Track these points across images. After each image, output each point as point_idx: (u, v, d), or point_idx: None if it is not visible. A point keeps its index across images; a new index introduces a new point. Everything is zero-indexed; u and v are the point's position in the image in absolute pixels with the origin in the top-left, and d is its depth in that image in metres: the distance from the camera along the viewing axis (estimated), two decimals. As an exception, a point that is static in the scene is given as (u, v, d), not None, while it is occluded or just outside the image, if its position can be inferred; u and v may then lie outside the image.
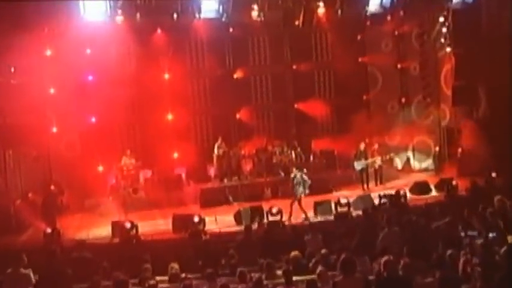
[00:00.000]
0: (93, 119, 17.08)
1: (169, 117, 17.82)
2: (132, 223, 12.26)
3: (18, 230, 13.58)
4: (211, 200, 15.01)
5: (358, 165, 15.63)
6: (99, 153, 16.81)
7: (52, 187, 15.76)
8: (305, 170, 13.16)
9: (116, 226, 12.75)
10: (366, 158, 15.62)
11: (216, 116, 18.54)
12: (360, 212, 11.28)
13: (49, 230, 12.15)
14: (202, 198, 15.55)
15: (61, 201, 14.86)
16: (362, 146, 15.78)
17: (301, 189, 12.80)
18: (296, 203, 12.74)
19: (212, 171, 17.29)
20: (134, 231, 12.23)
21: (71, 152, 16.63)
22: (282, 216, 12.49)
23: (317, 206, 13.45)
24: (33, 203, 14.45)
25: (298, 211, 12.91)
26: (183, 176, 16.93)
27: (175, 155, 17.63)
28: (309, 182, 12.84)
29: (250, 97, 18.85)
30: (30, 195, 14.92)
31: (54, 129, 16.52)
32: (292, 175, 12.94)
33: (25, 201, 14.83)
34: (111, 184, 15.29)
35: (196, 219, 12.39)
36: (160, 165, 17.07)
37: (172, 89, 17.73)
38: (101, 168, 16.91)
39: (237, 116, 18.65)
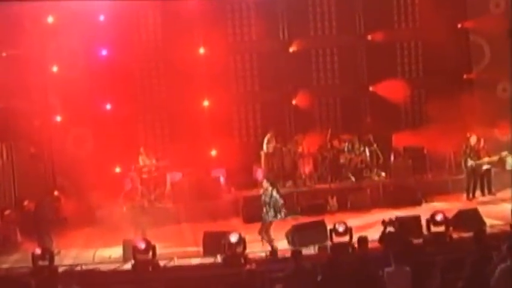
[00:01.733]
0: (108, 106, 17.17)
1: (205, 104, 17.61)
2: (147, 243, 11.50)
3: (6, 250, 13.52)
4: (258, 213, 13.37)
5: (469, 165, 14.65)
6: (116, 150, 16.68)
7: (56, 193, 15.78)
8: (274, 190, 12.30)
9: (128, 246, 12.07)
10: (478, 157, 14.65)
11: (265, 102, 18.15)
12: (466, 234, 10.39)
13: (38, 251, 11.57)
14: (246, 210, 14.95)
15: (57, 210, 14.39)
16: (473, 140, 14.91)
17: (272, 212, 12.04)
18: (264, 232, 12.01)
19: (260, 174, 16.54)
20: (150, 253, 11.47)
21: (79, 149, 16.60)
22: (351, 237, 11.41)
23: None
24: (29, 213, 14.12)
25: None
26: (222, 180, 16.55)
27: (213, 152, 17.48)
28: (281, 201, 12.12)
29: (311, 77, 18.27)
30: (26, 203, 14.66)
31: (58, 119, 16.72)
32: (261, 191, 12.19)
33: (17, 211, 14.80)
34: (126, 190, 14.46)
35: (233, 238, 11.46)
36: (192, 165, 16.66)
37: (209, 68, 17.46)
38: (118, 170, 16.77)
39: (293, 102, 18.07)
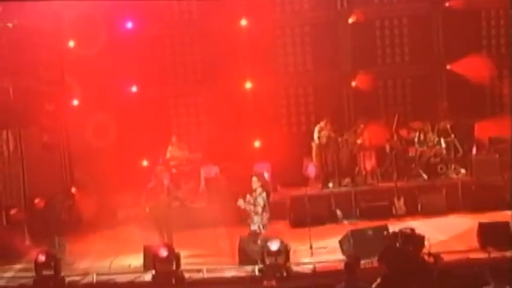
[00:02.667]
0: (134, 89, 17.40)
1: (248, 86, 17.62)
2: (170, 250, 11.29)
3: (10, 257, 13.39)
4: (308, 216, 13.47)
5: None
6: (143, 140, 16.89)
7: (73, 190, 15.85)
8: (262, 194, 12.11)
9: (149, 254, 11.82)
10: None
11: (319, 84, 18.06)
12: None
13: (42, 258, 11.44)
14: (294, 212, 14.82)
15: (72, 209, 14.44)
16: None
17: (256, 218, 11.96)
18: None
19: (311, 169, 16.61)
20: (174, 264, 11.25)
21: (100, 138, 16.72)
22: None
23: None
24: (39, 213, 14.21)
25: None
26: (266, 176, 16.03)
27: (256, 144, 17.52)
28: (265, 215, 11.97)
29: (375, 54, 18.05)
30: (36, 201, 14.62)
31: (75, 103, 16.83)
32: (242, 202, 12.05)
33: (26, 211, 14.76)
34: (149, 187, 13.61)
35: (274, 246, 11.15)
36: (231, 159, 16.68)
37: (252, 44, 17.50)
38: (145, 163, 16.86)
39: (353, 83, 17.81)
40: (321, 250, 12.69)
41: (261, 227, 12.05)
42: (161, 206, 13.15)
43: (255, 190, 12.15)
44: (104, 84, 16.42)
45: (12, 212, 14.52)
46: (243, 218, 13.91)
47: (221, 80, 17.40)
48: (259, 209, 11.98)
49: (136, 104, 17.26)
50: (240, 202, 12.10)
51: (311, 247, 12.59)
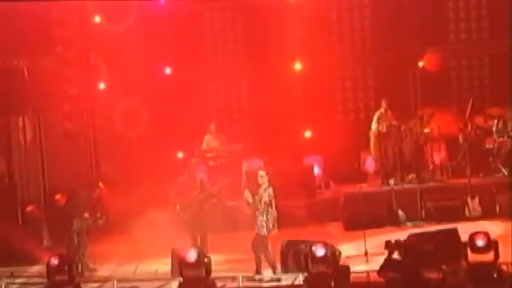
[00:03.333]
0: (168, 70, 17.61)
1: (297, 67, 17.64)
2: (199, 254, 11.00)
3: (26, 259, 13.59)
4: (364, 216, 13.57)
5: None
6: (178, 128, 17.23)
7: (100, 185, 15.55)
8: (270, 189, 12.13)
9: (176, 258, 11.72)
10: None
11: (380, 65, 17.97)
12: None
13: (54, 262, 11.18)
14: (348, 213, 14.83)
15: (96, 206, 14.36)
16: None
17: (264, 218, 11.96)
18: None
19: (370, 163, 16.56)
20: (204, 270, 10.93)
21: (130, 126, 17.03)
22: (497, 256, 10.61)
23: None
24: (61, 210, 14.12)
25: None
26: (318, 171, 16.49)
27: (307, 134, 17.67)
28: (274, 212, 11.99)
29: (445, 29, 17.95)
30: (58, 197, 14.94)
31: (102, 86, 17.07)
32: (245, 195, 12.19)
33: (45, 207, 15.07)
34: (180, 181, 13.50)
35: (320, 251, 10.79)
36: (278, 151, 16.74)
37: (302, 18, 17.40)
38: (180, 155, 17.12)
39: (420, 63, 17.77)
40: (377, 257, 12.20)
41: (264, 228, 12.05)
42: (194, 203, 13.01)
43: (260, 186, 12.09)
44: (134, 65, 16.58)
45: (29, 208, 14.67)
46: (290, 219, 14.21)
47: (267, 60, 17.50)
48: (262, 206, 11.95)
49: (171, 87, 17.44)
50: (247, 194, 12.24)
51: (366, 253, 12.45)
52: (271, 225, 12.08)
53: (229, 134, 17.16)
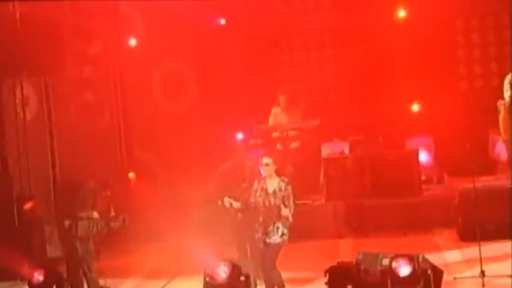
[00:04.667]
0: (223, 21, 17.69)
1: (401, 14, 17.29)
2: (234, 270, 11.06)
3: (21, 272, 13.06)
4: (488, 223, 13.45)
5: None
6: (238, 101, 17.44)
7: (131, 175, 16.34)
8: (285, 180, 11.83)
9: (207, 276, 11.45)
10: None
11: None
12: None
13: (39, 278, 11.51)
14: (463, 216, 14.16)
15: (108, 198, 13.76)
16: None
17: (275, 229, 11.57)
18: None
19: (500, 146, 15.85)
20: None
21: (172, 97, 17.20)
22: None
23: None
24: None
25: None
26: (426, 158, 16.34)
27: (414, 107, 17.41)
28: (289, 216, 11.54)
29: None
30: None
31: (133, 43, 16.83)
32: (254, 185, 11.84)
33: (55, 205, 14.62)
34: (222, 169, 13.44)
35: (405, 270, 10.63)
36: (370, 130, 16.51)
37: None
38: (240, 137, 16.85)
39: None
40: (499, 280, 11.96)
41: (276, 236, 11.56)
42: (244, 199, 12.25)
43: (264, 179, 11.62)
44: (177, 14, 16.55)
45: (27, 206, 14.43)
46: (382, 224, 14.83)
47: (358, 7, 17.35)
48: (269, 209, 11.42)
49: (226, 45, 17.50)
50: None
51: (482, 273, 11.79)
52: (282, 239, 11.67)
53: (304, 108, 16.93)
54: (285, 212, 11.32)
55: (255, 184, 11.57)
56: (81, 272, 12.60)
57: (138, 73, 16.93)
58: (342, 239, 14.93)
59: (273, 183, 11.42)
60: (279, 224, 11.40)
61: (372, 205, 15.43)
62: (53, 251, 14.49)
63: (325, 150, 16.40)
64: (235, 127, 17.09)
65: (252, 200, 11.63)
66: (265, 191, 11.47)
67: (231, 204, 11.81)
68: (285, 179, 11.68)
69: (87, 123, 16.09)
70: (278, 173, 11.66)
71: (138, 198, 15.69)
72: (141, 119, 17.04)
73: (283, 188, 11.46)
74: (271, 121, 16.50)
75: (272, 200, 11.46)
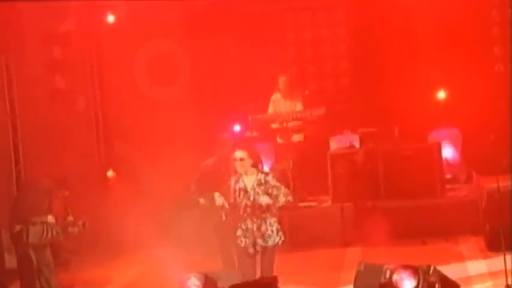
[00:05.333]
0: None
1: None
2: (207, 282, 10.76)
3: None
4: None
5: None
6: (235, 86, 17.22)
7: (109, 174, 16.57)
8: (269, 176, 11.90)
9: None
10: None
11: None
12: None
13: None
14: (492, 222, 13.81)
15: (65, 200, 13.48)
16: None
17: (269, 228, 11.61)
18: None
19: None
20: None
21: (157, 84, 16.90)
22: None
23: None
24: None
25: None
26: (449, 153, 16.41)
27: (439, 94, 17.13)
28: (274, 225, 11.58)
29: None
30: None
31: (111, 19, 16.69)
32: (231, 181, 11.94)
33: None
34: (206, 165, 13.48)
35: (408, 285, 10.43)
36: (385, 119, 16.45)
37: None
38: (237, 128, 16.75)
39: None
40: None
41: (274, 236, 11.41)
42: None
43: (240, 176, 11.47)
44: None
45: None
46: (399, 230, 14.34)
47: None
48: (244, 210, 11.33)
49: (222, 21, 17.11)
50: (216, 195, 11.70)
51: None
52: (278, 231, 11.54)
53: (310, 94, 16.59)
54: (264, 199, 11.07)
55: (232, 183, 11.37)
56: (38, 286, 12.45)
57: (118, 55, 16.75)
58: (349, 247, 14.66)
59: (251, 180, 11.22)
60: (271, 220, 11.23)
61: (385, 208, 15.10)
62: (13, 260, 14.06)
63: (334, 145, 16.20)
64: (232, 118, 16.80)
65: (232, 201, 11.44)
66: (244, 190, 11.25)
67: (221, 201, 11.41)
68: (264, 171, 11.57)
69: (57, 112, 15.90)
70: (255, 166, 11.45)
71: (116, 200, 15.78)
72: (121, 108, 16.88)
73: (262, 181, 11.21)
74: (270, 109, 16.23)
75: (253, 197, 11.24)
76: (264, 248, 11.38)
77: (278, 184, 11.45)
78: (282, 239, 11.42)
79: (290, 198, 11.62)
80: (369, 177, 15.59)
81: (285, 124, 15.84)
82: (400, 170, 15.59)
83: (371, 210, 15.18)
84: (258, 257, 11.73)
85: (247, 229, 11.38)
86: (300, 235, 14.85)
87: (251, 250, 11.42)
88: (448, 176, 16.15)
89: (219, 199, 11.40)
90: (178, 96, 17.04)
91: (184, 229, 15.14)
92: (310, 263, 14.19)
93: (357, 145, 16.02)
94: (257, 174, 11.35)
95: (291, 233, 14.43)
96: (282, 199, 11.40)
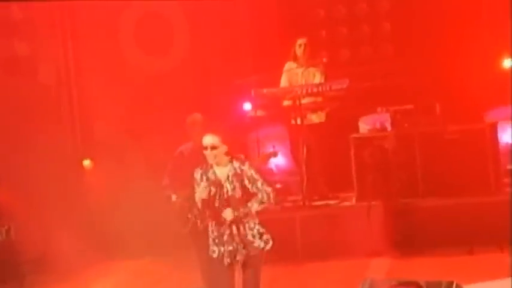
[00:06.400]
0: None
1: None
2: None
3: None
4: None
5: None
6: (242, 56, 16.56)
7: (87, 163, 16.21)
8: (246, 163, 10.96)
9: None
10: None
11: None
12: None
13: None
14: None
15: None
16: None
17: (250, 231, 10.61)
18: None
19: None
20: None
21: (150, 54, 16.21)
22: None
23: None
24: None
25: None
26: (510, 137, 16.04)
27: (504, 62, 16.46)
28: (260, 205, 10.56)
29: None
30: None
31: None
32: (196, 174, 11.00)
33: None
34: (181, 151, 12.69)
35: None
36: (423, 95, 15.75)
37: None
38: (248, 107, 15.97)
39: None
40: None
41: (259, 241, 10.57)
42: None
43: (210, 167, 10.58)
44: None
45: None
46: (441, 235, 13.99)
47: None
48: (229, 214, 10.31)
49: None
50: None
51: None
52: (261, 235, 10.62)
53: (332, 62, 15.71)
54: (254, 206, 10.11)
55: (198, 176, 10.34)
56: None
57: (97, 14, 16.06)
58: (377, 257, 13.63)
59: (225, 170, 10.32)
60: (250, 223, 10.24)
61: (423, 207, 14.17)
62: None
63: (364, 127, 15.13)
64: (240, 93, 15.82)
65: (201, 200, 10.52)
66: (218, 183, 10.24)
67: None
68: (240, 158, 10.51)
69: (17, 86, 15.21)
70: (229, 154, 10.45)
71: (95, 196, 15.53)
72: (101, 81, 16.05)
73: (238, 170, 10.30)
74: (283, 82, 15.26)
75: (229, 191, 10.28)
76: (245, 258, 10.29)
77: (257, 176, 10.39)
78: (270, 243, 10.28)
79: (272, 197, 10.35)
80: (403, 168, 14.50)
81: (299, 101, 14.75)
82: (443, 159, 14.46)
83: (404, 210, 14.19)
84: (239, 271, 10.47)
85: (220, 234, 10.30)
86: (313, 242, 14.09)
87: (226, 261, 10.21)
88: (509, 167, 15.02)
89: (200, 197, 10.22)
90: (172, 66, 16.20)
91: (159, 234, 14.63)
92: (326, 278, 13.40)
93: (389, 127, 14.92)
94: (233, 163, 10.38)
95: (303, 239, 14.08)
96: (257, 206, 10.28)
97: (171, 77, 16.37)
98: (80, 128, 16.44)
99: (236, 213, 10.35)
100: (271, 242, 10.47)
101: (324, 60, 15.48)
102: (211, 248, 10.60)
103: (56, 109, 16.28)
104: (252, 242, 10.43)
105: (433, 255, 13.64)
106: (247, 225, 10.43)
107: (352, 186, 15.11)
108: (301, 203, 15.07)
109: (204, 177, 10.46)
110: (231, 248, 10.42)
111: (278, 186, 16.05)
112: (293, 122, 15.07)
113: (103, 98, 16.32)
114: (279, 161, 16.89)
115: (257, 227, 10.47)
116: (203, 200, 10.48)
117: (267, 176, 16.44)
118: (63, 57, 16.26)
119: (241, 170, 10.39)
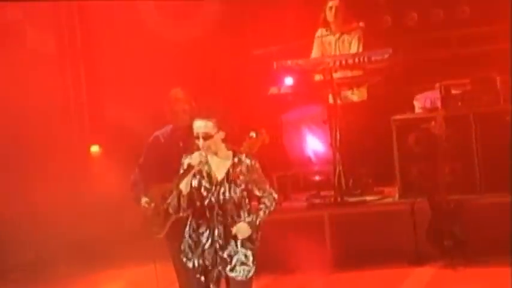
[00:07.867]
0: None
1: None
2: None
3: None
4: None
5: None
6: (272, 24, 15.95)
7: (94, 149, 16.46)
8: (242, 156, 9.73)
9: None
10: None
11: None
12: None
13: None
14: None
15: None
16: None
17: (234, 251, 9.77)
18: None
19: None
20: None
21: (167, 23, 15.78)
22: None
23: None
24: None
25: None
26: None
27: None
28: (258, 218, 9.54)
29: None
30: None
31: None
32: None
33: None
34: (156, 138, 11.66)
35: None
36: (481, 67, 14.92)
37: None
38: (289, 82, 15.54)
39: None
40: None
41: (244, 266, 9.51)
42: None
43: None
44: None
45: None
46: (502, 240, 13.38)
47: None
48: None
49: None
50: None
51: None
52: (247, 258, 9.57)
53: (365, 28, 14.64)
54: (260, 215, 8.96)
55: (181, 168, 9.19)
56: None
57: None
58: (422, 266, 12.85)
59: (223, 164, 9.16)
60: (240, 243, 9.06)
61: (480, 206, 13.16)
62: None
63: (419, 103, 14.13)
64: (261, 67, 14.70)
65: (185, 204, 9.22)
66: (212, 179, 9.17)
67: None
68: (244, 150, 9.34)
69: (8, 53, 14.50)
70: (226, 142, 9.18)
71: (102, 187, 14.59)
72: (113, 51, 15.36)
73: (243, 170, 9.09)
74: (314, 52, 14.33)
75: (226, 194, 9.06)
76: (231, 281, 9.18)
77: (264, 178, 9.21)
78: (252, 272, 9.06)
79: (275, 205, 9.21)
80: (455, 157, 13.49)
81: (330, 76, 13.69)
82: (505, 147, 13.29)
83: (457, 209, 13.06)
84: None
85: (199, 241, 9.15)
86: (346, 247, 13.43)
87: (202, 277, 9.13)
88: None
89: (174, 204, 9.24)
90: (197, 36, 15.22)
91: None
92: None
93: (439, 106, 13.99)
94: (233, 157, 9.17)
95: (333, 243, 13.54)
96: (273, 205, 9.09)
97: (197, 45, 15.25)
98: (87, 108, 15.90)
99: (224, 222, 9.26)
100: (254, 270, 9.16)
101: (361, 25, 14.53)
102: (185, 254, 9.30)
103: (57, 84, 15.50)
104: (237, 265, 9.21)
105: (487, 264, 12.71)
106: (236, 244, 9.21)
107: (394, 180, 14.13)
108: (332, 199, 14.13)
109: (195, 174, 9.29)
110: (209, 262, 9.21)
111: (317, 178, 15.41)
112: (330, 100, 14.27)
113: (114, 71, 15.61)
114: (318, 148, 15.78)
115: (248, 249, 9.14)
116: (189, 202, 9.35)
117: (304, 166, 15.72)
118: (65, 22, 15.41)
119: (247, 168, 9.21)
